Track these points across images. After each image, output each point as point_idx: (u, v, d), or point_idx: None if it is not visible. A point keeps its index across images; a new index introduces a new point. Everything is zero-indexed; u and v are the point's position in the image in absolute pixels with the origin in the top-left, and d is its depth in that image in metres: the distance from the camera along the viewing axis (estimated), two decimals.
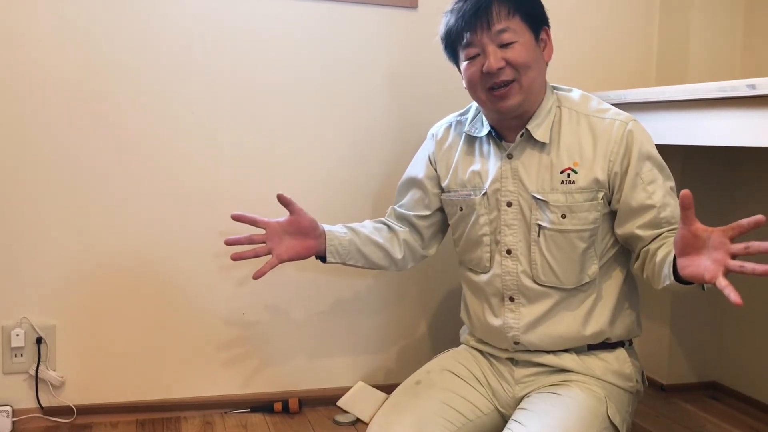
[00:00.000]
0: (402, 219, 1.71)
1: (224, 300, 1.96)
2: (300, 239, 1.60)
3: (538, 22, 1.48)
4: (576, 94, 1.54)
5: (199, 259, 1.93)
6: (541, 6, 1.51)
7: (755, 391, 2.08)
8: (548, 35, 1.51)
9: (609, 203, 1.47)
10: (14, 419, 1.82)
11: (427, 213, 1.68)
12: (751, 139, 1.39)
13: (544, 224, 1.48)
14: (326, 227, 1.63)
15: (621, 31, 2.18)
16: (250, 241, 1.58)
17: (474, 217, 1.56)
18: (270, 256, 1.57)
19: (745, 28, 2.10)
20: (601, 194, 1.46)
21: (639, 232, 1.44)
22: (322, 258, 1.63)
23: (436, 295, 2.07)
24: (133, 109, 1.84)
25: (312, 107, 1.96)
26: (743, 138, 1.41)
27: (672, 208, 1.43)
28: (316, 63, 1.95)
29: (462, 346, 1.69)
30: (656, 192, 1.43)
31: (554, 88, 1.56)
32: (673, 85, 1.96)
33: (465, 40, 1.45)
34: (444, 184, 1.64)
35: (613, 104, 1.75)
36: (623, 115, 1.48)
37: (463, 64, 1.49)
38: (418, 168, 1.70)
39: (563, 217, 1.46)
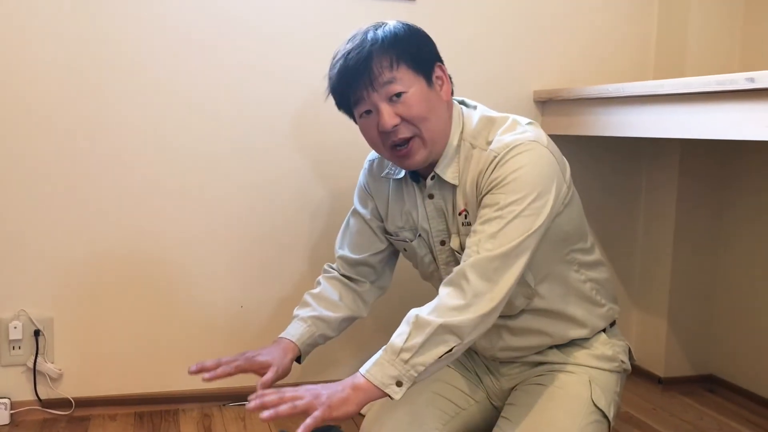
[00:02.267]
0: (356, 265, 1.60)
1: (222, 292, 1.96)
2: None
3: (426, 64, 1.35)
4: (476, 116, 1.41)
5: (196, 251, 1.93)
6: (429, 44, 1.38)
7: (752, 383, 2.09)
8: (443, 71, 1.38)
9: None
10: (12, 411, 1.83)
11: (381, 247, 1.59)
12: (749, 132, 1.39)
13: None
14: (296, 340, 1.52)
15: (619, 24, 2.17)
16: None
17: (419, 258, 1.53)
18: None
19: (745, 20, 2.09)
20: None
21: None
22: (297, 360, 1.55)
23: (429, 289, 2.07)
24: (131, 105, 1.84)
25: (308, 103, 1.96)
26: (742, 131, 1.40)
27: (480, 238, 1.25)
28: (311, 56, 1.94)
29: None
30: (482, 217, 1.28)
31: (464, 106, 1.44)
32: (670, 78, 1.97)
33: (352, 99, 1.34)
34: (386, 224, 1.57)
35: (611, 98, 1.76)
36: (505, 142, 1.31)
37: (359, 122, 1.39)
38: (359, 206, 1.60)
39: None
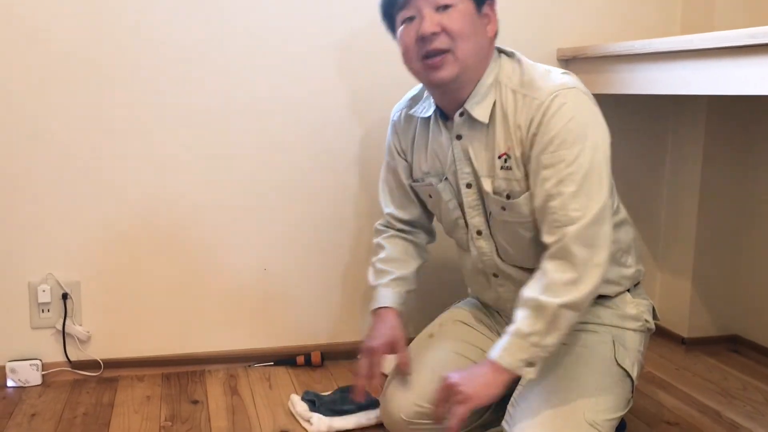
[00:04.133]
0: (404, 219, 1.64)
1: (246, 255, 1.97)
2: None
3: None
4: (514, 63, 1.42)
5: (220, 215, 1.94)
6: None
7: None
8: (493, 10, 1.40)
9: None
10: (44, 372, 1.87)
11: (423, 209, 1.64)
12: None
13: (491, 211, 1.44)
14: (392, 304, 1.57)
15: None
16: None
17: (443, 203, 1.52)
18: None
19: None
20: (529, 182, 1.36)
21: (543, 238, 1.33)
22: None
23: (448, 251, 2.07)
24: (159, 73, 1.83)
25: (332, 63, 1.94)
26: None
27: (564, 200, 1.28)
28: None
29: (470, 298, 1.70)
30: (549, 179, 1.30)
31: (501, 53, 1.44)
32: (698, 33, 1.92)
33: (401, 1, 1.37)
34: (412, 171, 1.58)
35: (638, 54, 1.72)
36: (548, 88, 1.33)
37: (399, 30, 1.39)
38: (392, 166, 1.62)
39: (503, 209, 1.40)
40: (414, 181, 1.58)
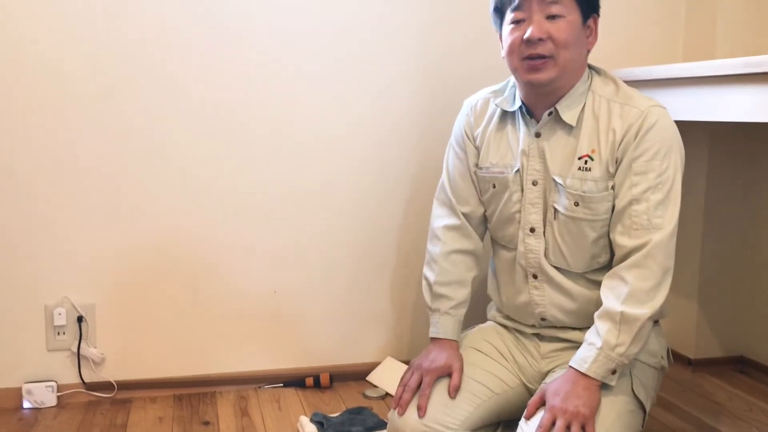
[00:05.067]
0: (469, 217, 1.65)
1: (257, 278, 2.01)
2: None
3: (589, 5, 1.46)
4: (608, 78, 1.51)
5: (231, 240, 1.98)
6: None
7: None
8: (595, 23, 1.49)
9: None
10: (59, 394, 1.91)
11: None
12: None
13: (559, 208, 1.49)
14: (452, 336, 1.60)
15: (647, 5, 2.15)
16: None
17: (507, 194, 1.57)
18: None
19: None
20: (611, 184, 1.44)
21: (617, 238, 1.42)
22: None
23: None
24: (168, 91, 1.89)
25: (336, 92, 1.99)
26: None
27: (649, 206, 1.38)
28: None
29: (488, 322, 1.71)
30: (639, 185, 1.39)
31: (593, 70, 1.53)
32: (700, 60, 1.95)
33: (515, 4, 1.45)
34: (479, 158, 1.63)
35: (639, 81, 1.76)
36: (647, 102, 1.43)
37: (507, 28, 1.47)
38: (460, 155, 1.65)
39: (576, 204, 1.46)
40: (480, 167, 1.62)
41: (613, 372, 1.37)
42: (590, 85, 1.49)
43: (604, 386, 1.39)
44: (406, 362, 2.05)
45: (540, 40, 1.41)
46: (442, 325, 1.62)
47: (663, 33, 2.17)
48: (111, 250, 1.91)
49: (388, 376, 2.02)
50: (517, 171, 1.54)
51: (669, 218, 1.39)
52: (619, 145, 1.42)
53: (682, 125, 2.16)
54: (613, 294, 1.39)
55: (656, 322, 1.58)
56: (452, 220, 1.65)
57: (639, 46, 2.15)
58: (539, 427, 1.34)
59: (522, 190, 1.54)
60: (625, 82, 1.80)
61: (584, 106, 1.48)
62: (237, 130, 1.95)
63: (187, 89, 1.90)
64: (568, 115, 1.47)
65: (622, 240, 1.41)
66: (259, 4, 1.91)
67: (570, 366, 1.39)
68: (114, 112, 1.86)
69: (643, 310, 1.36)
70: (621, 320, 1.35)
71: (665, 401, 1.93)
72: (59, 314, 1.89)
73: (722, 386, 2.05)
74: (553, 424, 1.33)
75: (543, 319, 1.56)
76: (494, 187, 1.59)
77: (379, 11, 1.98)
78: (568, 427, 1.32)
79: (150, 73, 1.87)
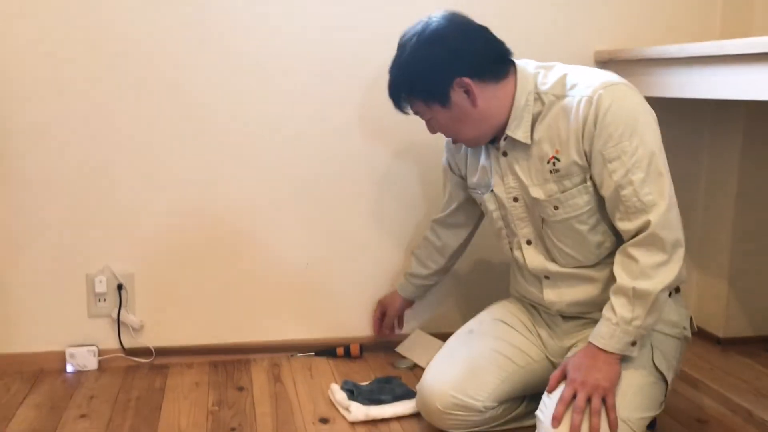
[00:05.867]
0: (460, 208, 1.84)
1: (289, 251, 2.06)
2: None
3: (437, 91, 1.44)
4: (554, 72, 1.48)
5: (267, 212, 2.02)
6: (436, 69, 1.43)
7: None
8: (463, 84, 1.43)
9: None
10: (100, 358, 1.99)
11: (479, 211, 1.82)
12: None
13: (544, 217, 1.51)
14: (408, 297, 2.02)
15: None
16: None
17: (488, 212, 1.64)
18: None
19: None
20: (587, 175, 1.44)
21: (618, 224, 1.43)
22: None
23: (489, 249, 2.12)
24: (209, 72, 1.92)
25: (379, 69, 2.01)
26: None
27: (634, 187, 1.37)
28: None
29: (512, 297, 1.75)
30: (617, 171, 1.38)
31: (538, 67, 1.50)
32: (737, 37, 1.93)
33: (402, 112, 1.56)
34: (466, 180, 1.71)
35: (672, 59, 1.75)
36: (594, 85, 1.40)
37: None
38: (449, 179, 1.81)
39: (555, 208, 1.48)
40: (470, 188, 1.71)
41: (633, 344, 1.39)
42: (529, 92, 1.46)
43: (624, 359, 1.41)
44: (435, 335, 2.09)
45: (436, 133, 1.55)
46: (401, 285, 2.02)
47: (700, 9, 2.13)
48: (150, 222, 1.97)
49: (416, 348, 2.06)
50: (491, 191, 1.59)
51: (659, 192, 1.37)
52: (582, 137, 1.41)
53: (717, 103, 2.15)
54: (625, 271, 1.40)
55: (677, 290, 1.58)
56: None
57: (675, 23, 2.12)
58: (560, 400, 1.37)
59: (500, 208, 1.59)
60: (659, 60, 1.81)
61: (534, 114, 1.47)
62: (277, 110, 1.98)
63: (228, 67, 1.93)
64: (520, 134, 1.48)
65: (624, 225, 1.41)
66: None
67: (589, 341, 1.42)
68: (156, 80, 1.90)
69: (654, 284, 1.37)
70: (634, 295, 1.37)
71: (692, 378, 1.94)
72: (100, 282, 1.96)
73: (751, 365, 2.05)
74: (574, 397, 1.36)
75: (561, 313, 1.59)
76: (480, 204, 1.68)
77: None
78: (588, 400, 1.35)
79: (193, 35, 1.90)
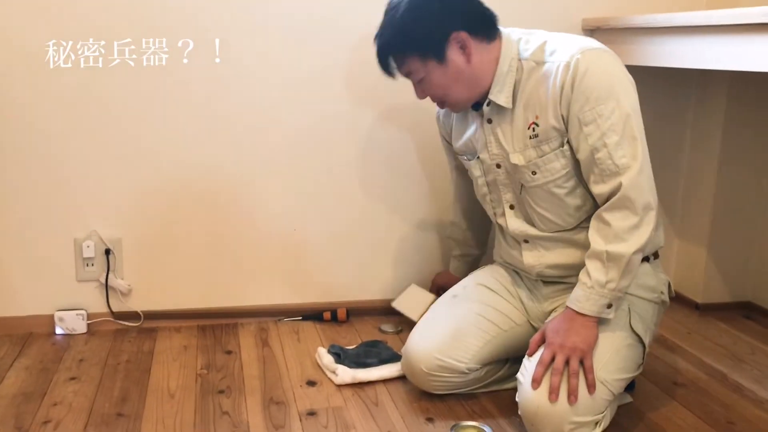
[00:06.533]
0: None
1: (278, 215, 2.07)
2: None
3: (434, 46, 1.45)
4: (535, 39, 1.50)
5: (254, 177, 2.03)
6: (433, 23, 1.45)
7: None
8: (460, 39, 1.46)
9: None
10: (89, 322, 2.00)
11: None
12: None
13: (523, 182, 1.54)
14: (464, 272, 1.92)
15: None
16: None
17: (474, 179, 1.66)
18: None
19: None
20: (565, 139, 1.46)
21: (592, 187, 1.45)
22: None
23: None
24: (191, 29, 1.90)
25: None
26: None
27: (609, 150, 1.39)
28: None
29: (496, 263, 1.78)
30: (592, 134, 1.40)
31: (521, 33, 1.53)
32: (724, 8, 1.93)
33: (391, 74, 1.55)
34: (454, 148, 1.74)
35: (660, 28, 1.76)
36: (572, 50, 1.42)
37: None
38: (446, 149, 1.84)
39: (534, 173, 1.50)
40: (457, 153, 1.73)
41: (609, 306, 1.43)
42: (512, 58, 1.49)
43: (601, 321, 1.45)
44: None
45: (425, 97, 1.54)
46: (452, 266, 2.02)
47: None
48: (137, 187, 1.97)
49: (411, 302, 2.04)
50: (478, 158, 1.61)
51: (632, 155, 1.39)
52: (560, 101, 1.43)
53: (701, 73, 2.17)
54: (599, 235, 1.43)
55: (656, 255, 1.62)
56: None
57: None
58: (539, 362, 1.41)
59: (485, 174, 1.62)
60: (647, 29, 1.82)
61: (516, 80, 1.49)
62: (263, 76, 1.97)
63: (209, 31, 1.92)
64: (502, 99, 1.50)
65: (598, 188, 1.43)
66: None
67: (567, 306, 1.45)
68: (138, 50, 1.89)
69: (627, 247, 1.39)
70: (607, 258, 1.40)
71: (670, 343, 2.00)
72: (88, 247, 1.97)
73: (728, 330, 2.11)
74: (553, 359, 1.40)
75: (540, 276, 1.62)
76: (467, 170, 1.70)
77: None
78: (567, 362, 1.39)
79: (172, 15, 1.89)
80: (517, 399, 1.45)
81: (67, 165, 1.92)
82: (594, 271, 1.42)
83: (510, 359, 1.68)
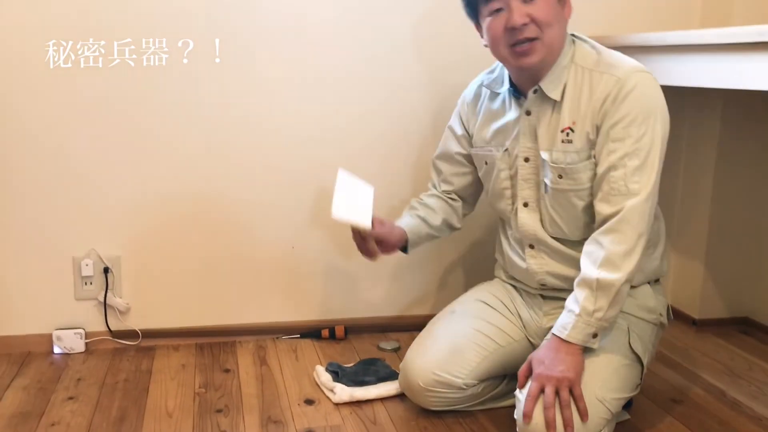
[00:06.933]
0: (448, 192, 1.80)
1: (276, 233, 2.07)
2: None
3: None
4: (589, 47, 1.52)
5: (253, 196, 2.04)
6: None
7: None
8: None
9: None
10: (87, 340, 2.00)
11: (470, 180, 1.77)
12: None
13: (546, 182, 1.53)
14: (405, 227, 1.74)
15: None
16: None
17: (496, 171, 1.64)
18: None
19: None
20: (593, 152, 1.47)
21: (596, 204, 1.45)
22: (403, 249, 1.77)
23: (473, 232, 2.15)
24: (198, 57, 1.92)
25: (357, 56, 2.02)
26: None
27: (626, 171, 1.40)
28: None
29: (496, 279, 1.79)
30: (616, 151, 1.41)
31: (574, 38, 1.54)
32: (717, 26, 1.96)
33: None
34: (473, 139, 1.70)
35: (653, 46, 1.78)
36: (627, 68, 1.44)
37: (486, 21, 1.49)
38: (451, 135, 1.76)
39: (560, 177, 1.50)
40: (474, 146, 1.70)
41: (594, 335, 1.41)
42: (572, 56, 1.50)
43: (587, 350, 1.44)
44: (418, 317, 2.11)
45: (524, 24, 1.42)
46: (402, 220, 1.79)
47: None
48: (136, 205, 1.98)
49: (353, 205, 1.66)
50: (506, 150, 1.59)
51: (645, 183, 1.41)
52: (599, 111, 1.44)
53: (695, 91, 2.19)
54: (590, 259, 1.42)
55: (657, 280, 1.63)
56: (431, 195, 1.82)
57: (656, 10, 2.15)
58: (528, 396, 1.39)
59: (510, 168, 1.60)
60: (640, 48, 1.84)
61: (567, 79, 1.49)
62: (259, 90, 1.98)
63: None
64: (552, 91, 1.49)
65: (601, 206, 1.44)
66: None
67: (552, 333, 1.44)
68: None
69: (618, 275, 1.38)
70: (597, 287, 1.39)
71: (667, 359, 2.00)
72: (86, 265, 1.97)
73: (725, 346, 2.11)
74: (542, 391, 1.39)
75: (543, 285, 1.62)
76: (486, 164, 1.66)
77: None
78: (557, 393, 1.38)
79: (174, 32, 1.90)
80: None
81: (65, 183, 1.93)
82: (582, 299, 1.41)
83: (507, 375, 1.68)
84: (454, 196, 1.80)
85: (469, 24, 1.58)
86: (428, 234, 1.79)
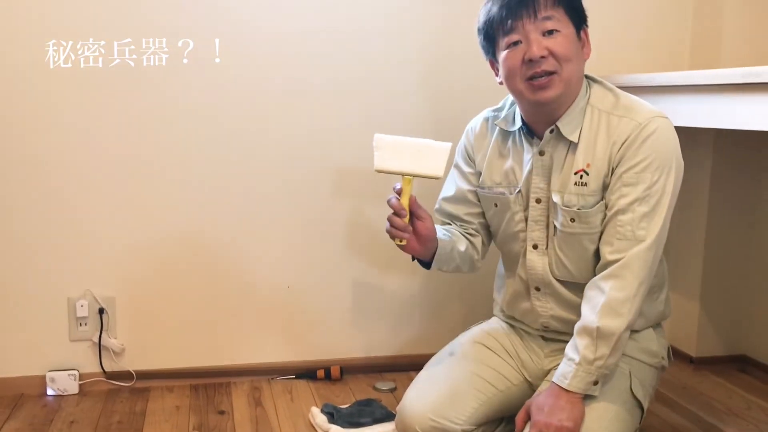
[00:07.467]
0: (466, 228, 1.69)
1: (271, 274, 2.08)
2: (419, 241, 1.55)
3: (579, 17, 1.46)
4: (605, 89, 1.51)
5: (247, 236, 2.05)
6: (582, 3, 1.48)
7: None
8: (587, 35, 1.49)
9: None
10: (81, 382, 1.99)
11: (484, 219, 1.69)
12: None
13: (557, 225, 1.51)
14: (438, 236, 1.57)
15: (655, 12, 2.19)
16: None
17: (509, 214, 1.59)
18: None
19: None
20: (605, 194, 1.46)
21: (600, 247, 1.43)
22: (426, 264, 1.62)
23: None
24: (190, 96, 1.95)
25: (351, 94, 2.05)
26: None
27: (634, 217, 1.39)
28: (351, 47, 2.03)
29: (494, 318, 1.77)
30: (628, 195, 1.40)
31: (590, 80, 1.54)
32: (706, 67, 2.00)
33: (507, 26, 1.43)
34: (481, 178, 1.65)
35: (643, 87, 1.80)
36: (646, 113, 1.43)
37: (503, 54, 1.46)
38: (459, 174, 1.68)
39: (572, 221, 1.48)
40: (481, 187, 1.65)
41: (595, 383, 1.40)
42: (588, 98, 1.49)
43: (587, 397, 1.43)
44: (415, 356, 2.10)
45: (542, 57, 1.41)
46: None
47: (670, 39, 2.20)
48: (131, 246, 1.98)
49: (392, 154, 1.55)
50: (519, 192, 1.56)
51: (651, 231, 1.40)
52: (616, 154, 1.43)
53: (686, 130, 2.20)
54: (590, 305, 1.41)
55: (659, 324, 1.62)
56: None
57: (647, 52, 2.18)
58: None
59: (525, 210, 1.56)
60: (630, 88, 1.85)
61: (584, 121, 1.48)
62: (258, 137, 2.01)
63: (202, 94, 1.96)
64: (569, 131, 1.47)
65: (606, 250, 1.43)
66: None
67: (552, 381, 1.43)
68: (136, 111, 1.93)
69: (619, 323, 1.37)
70: (598, 335, 1.38)
71: (665, 398, 1.98)
72: (81, 306, 1.97)
73: (723, 384, 2.10)
74: None
75: (545, 328, 1.61)
76: (496, 206, 1.62)
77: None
78: None
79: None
80: None
81: (60, 224, 1.93)
82: (583, 347, 1.39)
83: (505, 418, 1.66)
84: (471, 231, 1.69)
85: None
86: (453, 255, 1.60)
